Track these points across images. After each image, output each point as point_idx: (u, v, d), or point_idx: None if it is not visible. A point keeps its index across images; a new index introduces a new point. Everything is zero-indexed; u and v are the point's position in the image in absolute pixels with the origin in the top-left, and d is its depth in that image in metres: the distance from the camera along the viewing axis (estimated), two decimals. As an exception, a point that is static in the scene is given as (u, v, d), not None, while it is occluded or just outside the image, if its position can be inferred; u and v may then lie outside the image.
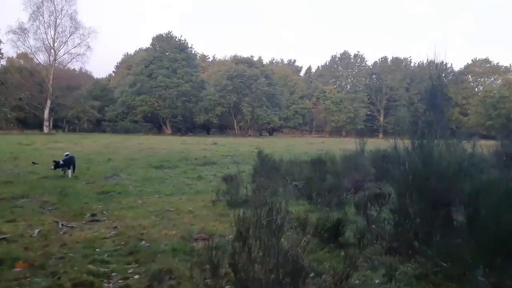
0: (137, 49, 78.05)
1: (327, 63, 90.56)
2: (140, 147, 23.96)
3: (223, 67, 67.92)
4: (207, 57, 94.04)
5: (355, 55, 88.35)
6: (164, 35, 60.95)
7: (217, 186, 8.72)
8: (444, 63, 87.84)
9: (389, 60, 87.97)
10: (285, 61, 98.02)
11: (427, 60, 4.83)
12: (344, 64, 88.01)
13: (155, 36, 61.49)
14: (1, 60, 57.14)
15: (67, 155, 11.48)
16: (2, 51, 56.45)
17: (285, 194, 7.40)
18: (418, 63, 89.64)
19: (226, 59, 77.87)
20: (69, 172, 10.98)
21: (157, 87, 56.36)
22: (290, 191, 7.81)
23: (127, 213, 6.79)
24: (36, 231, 5.45)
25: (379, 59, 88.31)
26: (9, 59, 56.87)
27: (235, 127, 62.32)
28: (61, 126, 57.39)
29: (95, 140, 30.59)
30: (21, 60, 57.45)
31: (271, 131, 79.91)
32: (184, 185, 10.04)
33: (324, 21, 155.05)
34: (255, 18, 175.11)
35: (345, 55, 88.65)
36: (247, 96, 57.96)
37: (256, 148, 22.43)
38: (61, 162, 10.97)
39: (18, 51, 51.98)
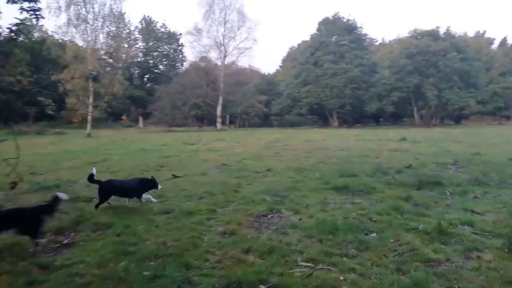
0: (302, 41, 75.35)
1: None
2: (308, 146, 19.09)
3: (397, 47, 57.85)
4: (375, 40, 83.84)
5: None
6: (330, 17, 55.41)
7: None
8: None
9: None
10: (470, 34, 78.15)
11: None
12: None
13: (321, 20, 56.64)
14: (183, 64, 63.45)
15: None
16: (184, 54, 62.42)
17: None
18: None
19: (400, 37, 66.57)
20: None
21: (323, 76, 51.39)
22: None
23: None
24: None
25: None
26: (188, 62, 62.10)
27: (415, 116, 51.95)
28: (234, 121, 59.34)
29: (259, 137, 27.59)
30: (201, 63, 61.82)
31: (458, 119, 64.64)
32: (421, 265, 4.17)
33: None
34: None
35: None
36: (432, 76, 46.86)
37: (471, 146, 14.49)
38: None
39: (194, 51, 55.59)
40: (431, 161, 11.76)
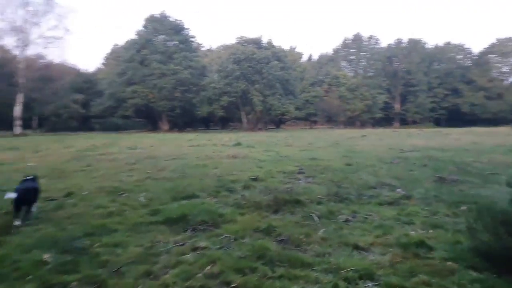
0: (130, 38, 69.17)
1: (339, 46, 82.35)
2: (133, 154, 15.70)
3: (225, 53, 59.34)
4: (202, 45, 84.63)
5: (370, 37, 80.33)
6: (157, 15, 52.06)
7: None
8: (463, 44, 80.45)
9: (404, 41, 79.69)
10: (285, 48, 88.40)
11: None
12: (358, 46, 79.78)
13: (147, 17, 52.58)
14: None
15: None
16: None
17: None
18: (436, 45, 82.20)
19: (227, 43, 68.99)
20: None
21: (151, 76, 47.62)
22: None
23: None
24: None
25: (394, 41, 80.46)
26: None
27: (243, 120, 53.99)
28: (43, 125, 49.00)
29: (70, 144, 22.22)
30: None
31: (278, 124, 71.83)
32: None
33: (327, 6, 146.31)
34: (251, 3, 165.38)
35: (358, 37, 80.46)
36: (257, 82, 49.35)
37: (302, 150, 14.26)
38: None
39: (-19, 35, 43.01)
40: (276, 170, 10.41)
